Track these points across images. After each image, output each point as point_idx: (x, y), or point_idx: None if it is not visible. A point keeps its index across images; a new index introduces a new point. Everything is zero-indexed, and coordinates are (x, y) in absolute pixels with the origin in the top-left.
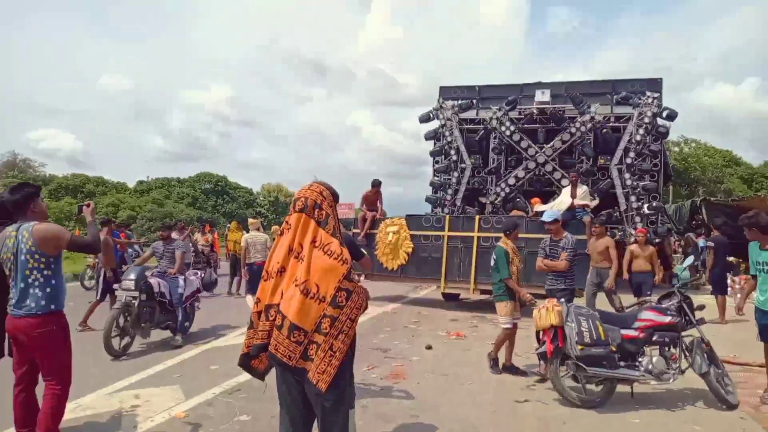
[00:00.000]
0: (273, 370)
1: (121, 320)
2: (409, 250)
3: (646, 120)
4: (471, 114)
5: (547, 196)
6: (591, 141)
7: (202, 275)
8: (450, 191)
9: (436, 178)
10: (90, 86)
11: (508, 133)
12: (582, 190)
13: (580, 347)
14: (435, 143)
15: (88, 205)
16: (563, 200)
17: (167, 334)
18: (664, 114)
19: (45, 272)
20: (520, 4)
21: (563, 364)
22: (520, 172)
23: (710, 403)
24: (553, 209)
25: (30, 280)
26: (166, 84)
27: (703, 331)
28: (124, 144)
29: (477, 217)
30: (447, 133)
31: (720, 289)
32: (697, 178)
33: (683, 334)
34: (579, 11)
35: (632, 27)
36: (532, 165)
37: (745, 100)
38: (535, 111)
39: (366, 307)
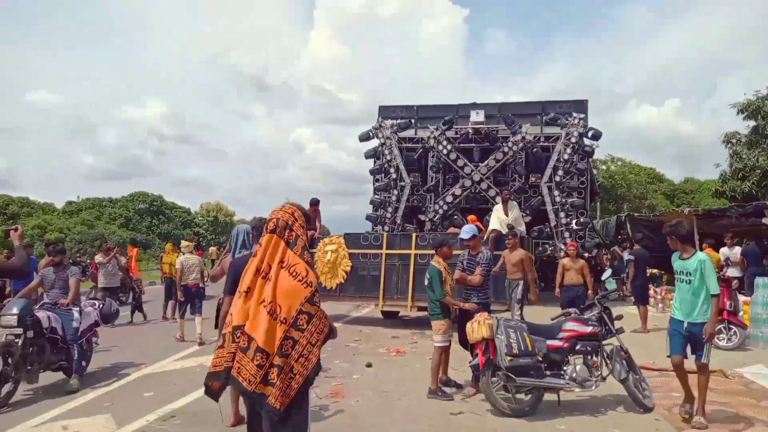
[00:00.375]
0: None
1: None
2: (348, 268)
3: (573, 140)
4: (410, 133)
5: (483, 213)
6: (523, 160)
7: (101, 305)
8: (390, 209)
9: (376, 196)
10: (16, 101)
11: (445, 151)
12: (514, 209)
13: (509, 358)
14: (375, 162)
15: (15, 230)
16: (501, 218)
17: (59, 376)
18: (590, 134)
19: None
20: (459, 26)
21: (495, 376)
22: (457, 190)
23: (629, 407)
24: (471, 225)
25: None
26: (100, 99)
27: (621, 340)
28: (52, 162)
29: (414, 234)
30: (386, 152)
31: (642, 299)
32: (623, 195)
33: (604, 343)
34: (516, 34)
35: (565, 50)
36: (468, 183)
37: (667, 121)
38: (470, 131)
39: (329, 333)
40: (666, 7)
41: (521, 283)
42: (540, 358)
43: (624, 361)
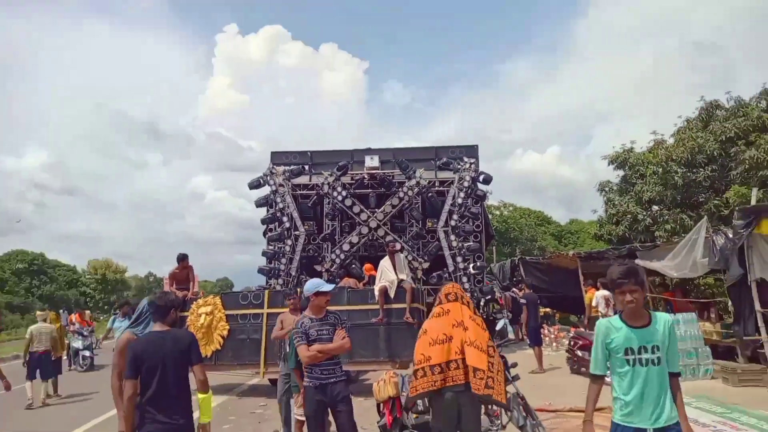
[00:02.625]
0: None
1: None
2: (225, 332)
3: (466, 184)
4: (304, 179)
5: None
6: (419, 205)
7: None
8: (284, 260)
9: (269, 247)
10: None
11: (340, 198)
12: (400, 260)
13: (414, 416)
14: (267, 210)
15: None
16: (390, 275)
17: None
18: (481, 178)
19: None
20: (358, 77)
21: None
22: (354, 238)
23: None
24: (316, 280)
25: None
26: None
27: (518, 387)
28: None
29: (298, 290)
30: (279, 200)
31: (536, 340)
32: (516, 237)
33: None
34: (411, 86)
35: (457, 101)
36: (365, 230)
37: (549, 166)
38: (365, 176)
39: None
40: (547, 63)
41: None
42: None
43: (521, 407)
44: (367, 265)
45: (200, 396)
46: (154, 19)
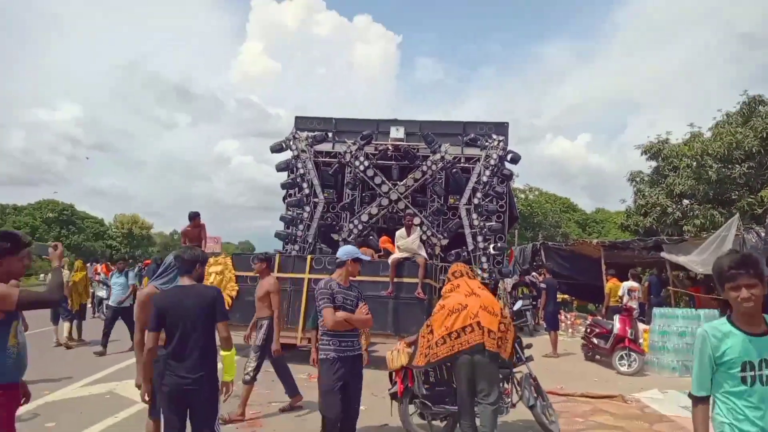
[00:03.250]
0: None
1: None
2: (234, 293)
3: (492, 162)
4: (327, 147)
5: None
6: (442, 180)
7: None
8: (301, 227)
9: (288, 212)
10: None
11: (362, 168)
12: (415, 234)
13: (426, 386)
14: (288, 175)
15: (55, 247)
16: (411, 241)
17: None
18: (509, 157)
19: None
20: (391, 51)
21: (412, 403)
22: (373, 209)
23: None
24: (351, 247)
25: None
26: (7, 100)
27: (531, 367)
28: None
29: (309, 256)
30: (299, 165)
31: (553, 325)
32: (539, 223)
33: (515, 370)
34: (443, 63)
35: (490, 81)
36: (385, 202)
37: (579, 153)
38: (389, 147)
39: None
40: (583, 49)
41: (266, 324)
42: (453, 385)
43: (532, 388)
44: (384, 238)
45: (223, 353)
46: None
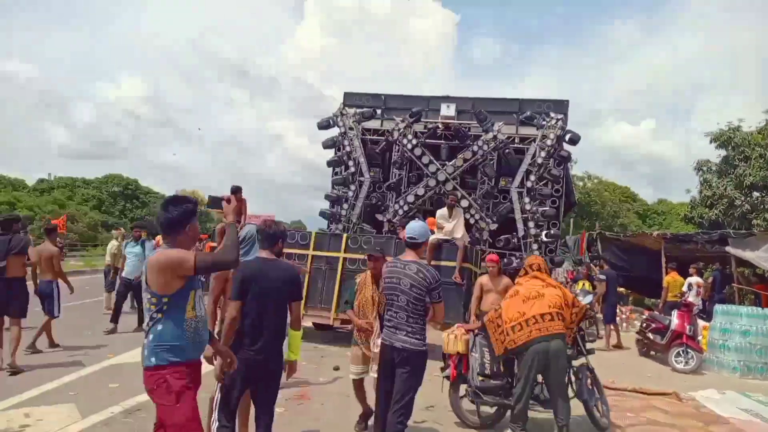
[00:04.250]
0: None
1: None
2: None
3: (549, 142)
4: (375, 124)
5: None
6: (494, 161)
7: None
8: (346, 206)
9: (333, 190)
10: None
11: (409, 146)
12: (458, 216)
13: (480, 378)
14: (336, 152)
15: (228, 201)
16: (456, 224)
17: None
18: (567, 137)
19: (154, 315)
20: (449, 30)
21: (463, 388)
22: (420, 190)
23: (587, 426)
24: (419, 223)
25: (144, 325)
26: (75, 74)
27: (589, 360)
28: (24, 137)
29: (344, 235)
30: (346, 142)
31: (610, 318)
32: (597, 212)
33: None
34: (501, 39)
35: (549, 60)
36: (432, 182)
37: (641, 140)
38: (439, 125)
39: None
40: (651, 28)
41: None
42: (509, 380)
43: (589, 381)
44: (430, 219)
45: (292, 332)
46: None
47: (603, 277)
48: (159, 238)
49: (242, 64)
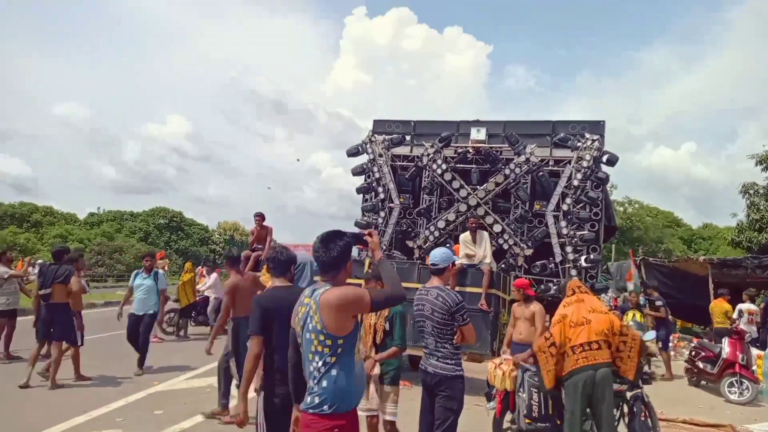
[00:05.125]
0: None
1: None
2: None
3: (585, 163)
4: (405, 150)
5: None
6: (527, 185)
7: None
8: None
9: (364, 218)
10: (44, 112)
11: (439, 171)
12: (484, 240)
13: (527, 420)
14: (366, 179)
15: (370, 235)
16: (468, 250)
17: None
18: (604, 158)
19: (327, 359)
20: (481, 61)
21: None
22: (451, 215)
23: None
24: (444, 249)
25: (311, 368)
26: (124, 115)
27: (645, 391)
28: (75, 173)
29: (367, 260)
30: (375, 169)
31: (664, 345)
32: (639, 237)
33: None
34: (535, 71)
35: (584, 88)
36: (463, 208)
37: (682, 163)
38: (470, 150)
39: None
40: (688, 52)
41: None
42: (558, 422)
43: (642, 414)
44: (457, 246)
45: None
46: (289, 2)
47: (661, 302)
48: (202, 269)
49: (281, 100)
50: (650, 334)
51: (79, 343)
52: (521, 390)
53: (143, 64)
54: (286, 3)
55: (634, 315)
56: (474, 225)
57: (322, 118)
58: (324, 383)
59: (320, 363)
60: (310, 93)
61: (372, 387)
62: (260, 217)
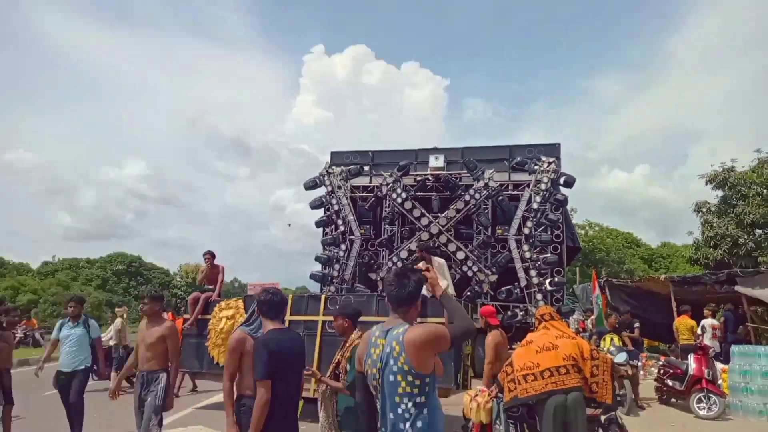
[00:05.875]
0: None
1: None
2: None
3: (543, 186)
4: (364, 181)
5: None
6: (488, 210)
7: None
8: (338, 266)
9: (325, 251)
10: None
11: (399, 200)
12: (437, 266)
13: None
14: (324, 212)
15: (428, 270)
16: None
17: None
18: (562, 180)
19: (417, 399)
20: (439, 94)
21: None
22: (413, 244)
23: None
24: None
25: (399, 411)
26: (78, 160)
27: (619, 413)
28: (28, 222)
29: (323, 296)
30: (334, 201)
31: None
32: (602, 259)
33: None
34: (492, 101)
35: (540, 118)
36: (425, 236)
37: (637, 186)
38: (429, 177)
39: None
40: (636, 80)
41: (163, 378)
42: None
43: None
44: None
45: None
46: (247, 41)
47: (637, 323)
48: (170, 314)
49: (242, 139)
50: (621, 356)
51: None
52: (497, 422)
53: (97, 110)
54: (242, 43)
55: (612, 339)
56: (420, 255)
57: (284, 156)
58: (419, 424)
59: (410, 404)
60: (272, 131)
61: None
62: (210, 255)
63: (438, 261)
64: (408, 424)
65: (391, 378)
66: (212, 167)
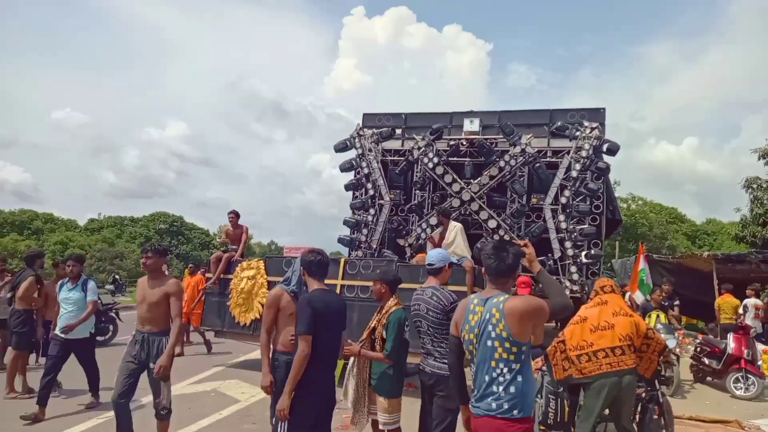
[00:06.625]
0: None
1: None
2: (265, 300)
3: (584, 153)
4: (395, 144)
5: (474, 240)
6: (524, 177)
7: None
8: (366, 231)
9: (355, 215)
10: (43, 119)
11: (431, 165)
12: (453, 233)
13: (541, 427)
14: (354, 175)
15: (526, 245)
16: (455, 242)
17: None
18: (605, 147)
19: (513, 365)
20: (482, 59)
21: None
22: None
23: None
24: (440, 251)
25: (494, 375)
26: (123, 120)
27: (660, 393)
28: (76, 179)
29: (342, 259)
30: (364, 164)
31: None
32: (643, 234)
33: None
34: (536, 68)
35: (585, 85)
36: (456, 203)
37: (685, 159)
38: (463, 142)
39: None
40: (690, 48)
41: (165, 343)
42: (572, 428)
43: (656, 413)
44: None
45: (340, 362)
46: (287, 3)
47: (677, 302)
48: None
49: (281, 103)
50: (672, 342)
51: (29, 351)
52: (539, 395)
53: (141, 70)
54: (283, 5)
55: (658, 316)
56: (441, 218)
57: (322, 120)
58: (512, 389)
59: (505, 369)
60: (310, 94)
61: (351, 384)
62: (234, 215)
63: (455, 225)
64: (501, 387)
65: (489, 343)
66: (250, 129)
